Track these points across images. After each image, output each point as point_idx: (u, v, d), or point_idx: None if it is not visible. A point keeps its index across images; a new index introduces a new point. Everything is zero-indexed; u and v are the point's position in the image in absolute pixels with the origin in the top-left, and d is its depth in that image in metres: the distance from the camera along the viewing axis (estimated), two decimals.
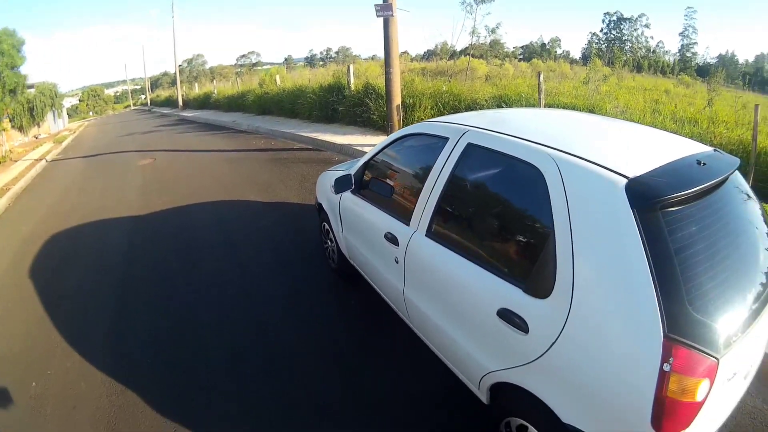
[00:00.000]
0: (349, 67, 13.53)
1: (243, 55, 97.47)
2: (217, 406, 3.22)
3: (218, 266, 5.19)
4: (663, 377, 1.66)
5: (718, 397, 1.87)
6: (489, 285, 2.28)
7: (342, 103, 13.18)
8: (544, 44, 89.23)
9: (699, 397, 1.71)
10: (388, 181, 3.51)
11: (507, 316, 2.14)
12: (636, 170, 1.94)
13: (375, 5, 8.64)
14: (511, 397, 2.34)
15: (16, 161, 15.07)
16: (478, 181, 2.64)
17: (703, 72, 55.45)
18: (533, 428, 2.23)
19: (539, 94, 8.61)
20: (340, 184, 3.78)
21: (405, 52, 40.16)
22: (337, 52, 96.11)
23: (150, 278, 5.05)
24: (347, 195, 3.90)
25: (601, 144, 2.32)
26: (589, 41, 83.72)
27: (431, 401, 3.12)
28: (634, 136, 2.60)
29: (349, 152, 9.98)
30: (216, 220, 6.61)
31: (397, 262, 3.06)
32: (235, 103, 22.63)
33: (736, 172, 2.34)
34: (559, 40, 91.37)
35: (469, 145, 2.65)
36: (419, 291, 2.90)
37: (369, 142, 10.32)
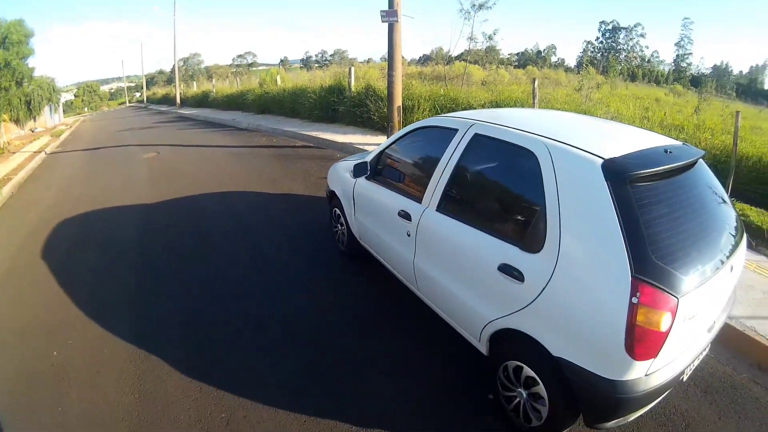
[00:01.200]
0: (350, 68, 13.81)
1: (240, 55, 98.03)
2: (240, 365, 3.47)
3: (232, 247, 5.48)
4: (632, 309, 2.11)
5: (681, 334, 2.31)
6: (491, 245, 2.75)
7: (343, 104, 13.43)
8: (539, 51, 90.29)
9: (663, 328, 2.14)
10: (401, 167, 4.00)
11: (506, 269, 2.62)
12: (611, 154, 2.44)
13: (381, 11, 8.91)
14: (507, 344, 2.80)
15: (14, 153, 14.98)
16: (482, 164, 3.15)
17: (697, 82, 56.14)
18: (527, 367, 2.65)
19: (533, 99, 8.99)
20: (359, 170, 4.22)
21: (402, 57, 40.14)
22: (332, 55, 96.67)
23: (167, 257, 5.29)
24: (361, 181, 4.35)
25: (586, 135, 2.81)
26: (584, 49, 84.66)
27: (440, 358, 3.52)
28: (615, 131, 3.14)
29: (350, 150, 10.24)
30: (226, 208, 6.86)
31: (408, 236, 3.51)
32: (234, 102, 22.76)
33: (701, 162, 2.90)
34: (555, 48, 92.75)
35: (476, 135, 3.14)
36: (429, 259, 3.36)
37: (369, 142, 10.61)
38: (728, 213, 2.88)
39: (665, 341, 2.20)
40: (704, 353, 2.83)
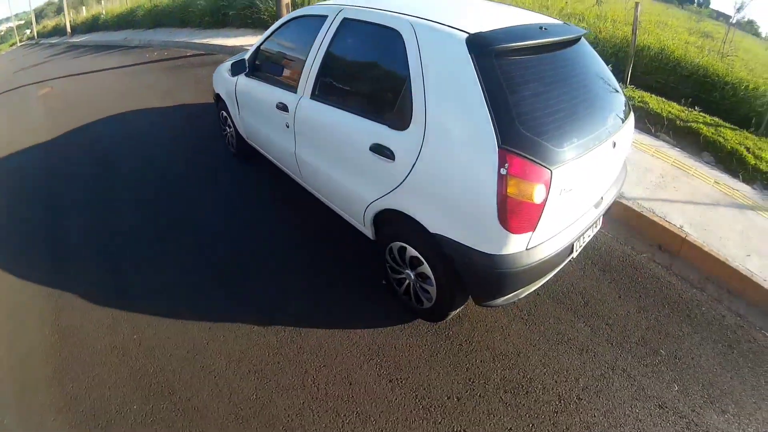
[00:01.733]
0: None
1: None
2: (147, 281, 3.73)
3: (132, 163, 5.94)
4: (501, 180, 2.09)
5: (561, 207, 2.35)
6: (362, 127, 2.75)
7: (232, 7, 13.17)
8: None
9: (537, 200, 2.14)
10: (277, 60, 3.94)
11: (377, 149, 2.63)
12: (477, 29, 2.38)
13: None
14: (389, 225, 2.87)
15: None
16: (351, 47, 3.14)
17: None
18: (410, 247, 2.72)
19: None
20: (236, 68, 4.20)
21: None
22: None
23: (73, 191, 5.54)
24: (242, 79, 4.32)
25: (455, 14, 2.69)
26: None
27: (329, 243, 3.85)
28: (491, 11, 2.90)
29: (240, 53, 10.36)
30: (124, 130, 7.19)
31: (288, 127, 3.54)
32: (124, 21, 21.39)
33: (584, 42, 2.90)
34: None
35: (345, 20, 3.09)
36: (308, 148, 3.41)
37: None
38: (612, 93, 2.84)
39: (541, 214, 2.20)
40: (596, 230, 2.92)
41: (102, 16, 25.28)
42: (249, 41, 11.07)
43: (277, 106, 3.59)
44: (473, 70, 2.21)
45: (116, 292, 3.62)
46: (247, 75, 4.21)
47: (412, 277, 2.84)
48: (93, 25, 26.51)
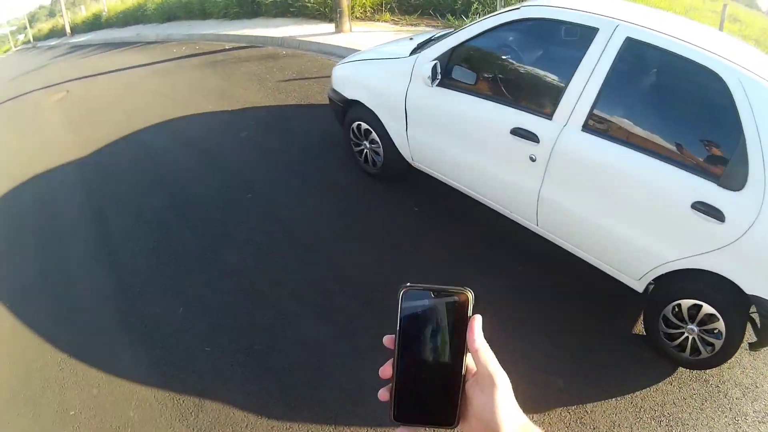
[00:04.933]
0: None
1: None
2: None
3: (214, 194, 4.09)
4: None
5: None
6: (678, 180, 2.43)
7: None
8: None
9: None
10: (501, 71, 3.20)
11: (702, 207, 2.35)
12: None
13: None
14: (682, 282, 2.63)
15: None
16: (644, 78, 2.71)
17: None
18: (707, 305, 2.50)
19: None
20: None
21: None
22: None
23: (132, 230, 3.85)
24: (423, 88, 3.35)
25: (760, 63, 2.52)
26: None
27: (579, 294, 3.15)
28: None
29: (294, 45, 8.60)
30: (182, 142, 5.30)
31: (533, 161, 2.85)
32: (132, 17, 19.54)
33: None
34: None
35: (629, 41, 2.55)
36: (569, 189, 2.83)
37: (313, 32, 8.94)
38: None
39: None
40: None
41: (104, 13, 23.42)
42: (298, 31, 9.25)
43: (515, 132, 2.89)
44: None
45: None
46: (440, 84, 3.24)
47: (696, 331, 2.62)
48: (95, 23, 24.68)
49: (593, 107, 2.65)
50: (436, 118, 3.44)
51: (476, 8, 8.51)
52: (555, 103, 2.78)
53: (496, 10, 7.35)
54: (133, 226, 3.84)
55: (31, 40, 43.55)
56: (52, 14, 49.26)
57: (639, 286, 2.79)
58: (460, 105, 3.23)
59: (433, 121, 3.48)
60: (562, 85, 2.77)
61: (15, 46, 54.88)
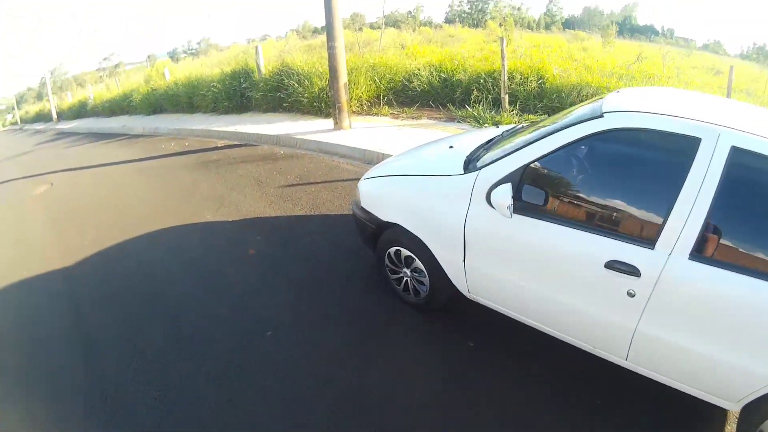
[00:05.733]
0: (257, 48, 11.58)
1: (105, 58, 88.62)
2: None
3: (223, 334, 3.52)
4: None
5: None
6: None
7: (255, 89, 11.38)
8: (409, 11, 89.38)
9: None
10: (586, 192, 2.75)
11: None
12: None
13: None
14: None
15: None
16: (758, 190, 2.34)
17: (570, 25, 57.74)
18: None
19: (503, 60, 7.94)
20: (504, 196, 2.73)
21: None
22: (198, 43, 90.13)
23: (129, 367, 3.27)
24: (483, 212, 2.94)
25: None
26: (449, 5, 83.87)
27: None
28: None
29: (291, 143, 8.41)
30: (184, 260, 4.72)
31: (631, 296, 2.49)
32: (117, 107, 19.55)
33: None
34: (423, 7, 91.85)
35: (735, 150, 2.25)
36: (675, 324, 2.45)
37: (310, 129, 8.80)
38: None
39: None
40: None
41: (90, 101, 23.50)
42: (294, 128, 9.14)
43: (610, 266, 2.49)
44: None
45: None
46: (515, 209, 2.73)
47: None
48: (81, 110, 24.74)
49: (703, 231, 2.31)
50: (507, 249, 2.96)
51: (476, 96, 8.56)
52: (657, 228, 2.42)
53: (502, 99, 7.67)
54: (130, 367, 3.29)
55: (19, 121, 43.60)
56: (39, 97, 49.63)
57: (734, 407, 2.48)
58: (537, 234, 2.77)
59: (502, 253, 2.99)
60: (665, 206, 2.40)
61: (3, 126, 54.91)
